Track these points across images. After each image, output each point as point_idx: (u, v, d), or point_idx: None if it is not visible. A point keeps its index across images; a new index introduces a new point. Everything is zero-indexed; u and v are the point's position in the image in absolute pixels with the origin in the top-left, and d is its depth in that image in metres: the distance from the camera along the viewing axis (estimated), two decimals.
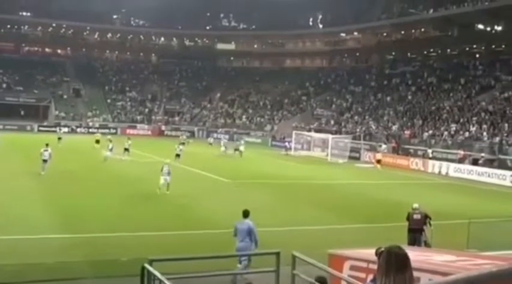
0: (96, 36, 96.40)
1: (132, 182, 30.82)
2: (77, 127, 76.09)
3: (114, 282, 13.85)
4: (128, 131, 74.12)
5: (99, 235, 17.74)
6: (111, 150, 41.14)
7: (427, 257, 10.29)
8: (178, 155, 41.79)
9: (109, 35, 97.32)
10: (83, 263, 14.69)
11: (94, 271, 14.35)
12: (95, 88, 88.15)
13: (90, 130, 71.77)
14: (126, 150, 43.46)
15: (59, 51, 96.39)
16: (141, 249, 15.20)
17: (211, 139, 63.83)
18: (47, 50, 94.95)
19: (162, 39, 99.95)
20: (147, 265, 7.82)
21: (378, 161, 46.39)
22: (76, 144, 55.13)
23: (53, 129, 72.86)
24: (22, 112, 78.75)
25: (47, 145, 33.31)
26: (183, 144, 48.53)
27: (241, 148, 51.47)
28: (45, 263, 14.34)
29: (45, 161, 31.86)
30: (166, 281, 7.03)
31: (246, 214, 14.10)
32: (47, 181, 29.15)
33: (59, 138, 52.47)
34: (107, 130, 71.06)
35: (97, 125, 76.77)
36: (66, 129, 73.54)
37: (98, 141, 51.08)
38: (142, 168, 38.46)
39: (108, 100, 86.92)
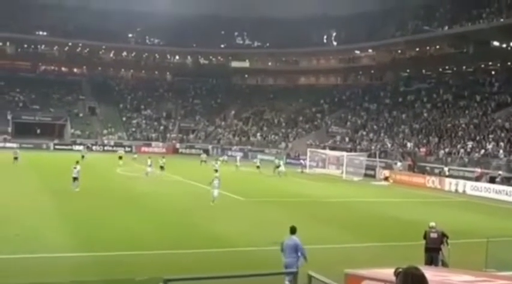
0: (111, 54, 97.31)
1: (148, 200, 30.80)
2: (93, 145, 76.47)
3: None
4: (143, 149, 74.42)
5: (114, 254, 17.69)
6: (150, 165, 43.43)
7: (444, 278, 10.14)
8: (216, 170, 42.30)
9: (124, 53, 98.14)
10: (97, 282, 14.65)
11: None
12: (110, 106, 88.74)
13: (106, 148, 72.02)
14: (162, 167, 45.23)
15: (74, 69, 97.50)
16: (157, 268, 15.14)
17: (225, 157, 63.76)
18: (63, 68, 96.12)
19: (177, 57, 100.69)
20: None
21: (386, 178, 46.06)
22: (93, 161, 55.37)
23: (69, 147, 73.81)
24: (38, 131, 79.48)
25: (77, 162, 34.67)
26: (217, 160, 50.48)
27: (282, 168, 49.32)
28: (60, 282, 14.31)
29: (75, 178, 32.85)
30: None
31: (293, 230, 14.28)
32: (63, 199, 29.23)
33: (82, 156, 53.13)
34: (122, 148, 71.47)
35: (112, 143, 77.29)
36: (81, 147, 74.15)
37: (121, 157, 53.67)
38: (161, 186, 38.56)
39: (124, 118, 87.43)
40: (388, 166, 52.05)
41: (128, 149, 73.30)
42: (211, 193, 29.20)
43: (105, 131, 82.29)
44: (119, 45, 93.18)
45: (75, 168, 33.31)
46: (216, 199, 28.98)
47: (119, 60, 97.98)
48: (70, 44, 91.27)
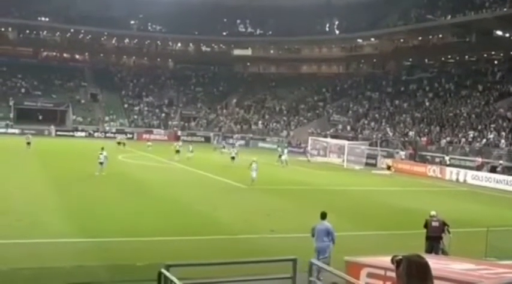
0: (113, 41, 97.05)
1: (150, 187, 30.88)
2: (94, 131, 76.69)
3: None
4: (145, 136, 74.51)
5: (116, 240, 17.76)
6: (192, 151, 47.74)
7: (445, 266, 10.20)
8: (233, 157, 46.22)
9: (126, 40, 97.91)
10: (99, 267, 14.73)
11: (111, 275, 14.38)
12: (112, 93, 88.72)
13: (107, 134, 72.15)
14: (177, 152, 48.07)
15: (76, 56, 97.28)
16: (158, 254, 15.21)
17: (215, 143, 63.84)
18: (65, 55, 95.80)
19: (179, 44, 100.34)
20: (164, 271, 7.81)
21: (388, 167, 45.98)
22: (95, 147, 55.69)
23: (71, 133, 74.22)
24: (40, 117, 79.54)
25: (102, 148, 35.60)
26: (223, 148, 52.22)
27: (285, 157, 48.62)
28: (63, 267, 14.39)
29: (101, 163, 34.23)
30: None
31: (323, 215, 14.72)
32: (66, 185, 29.33)
33: (118, 143, 55.83)
34: (121, 135, 71.83)
35: (114, 130, 77.29)
36: (83, 134, 74.60)
37: (119, 143, 56.46)
38: (162, 173, 38.69)
39: (125, 105, 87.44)
40: (390, 155, 52.07)
41: (129, 136, 73.76)
42: (251, 176, 32.67)
43: (106, 118, 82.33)
44: (121, 32, 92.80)
45: (101, 153, 34.58)
46: (255, 181, 32.51)
47: (121, 47, 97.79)
48: (72, 30, 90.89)
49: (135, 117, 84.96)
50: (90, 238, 17.75)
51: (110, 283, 13.92)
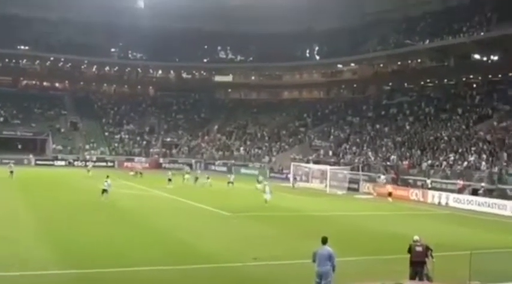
0: (94, 69, 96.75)
1: (132, 215, 30.60)
2: (75, 160, 76.02)
3: None
4: (126, 164, 74.11)
5: (99, 270, 17.42)
6: (208, 178, 51.57)
7: None
8: (231, 183, 49.92)
9: (107, 68, 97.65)
10: None
11: None
12: (92, 121, 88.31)
13: (87, 163, 71.73)
14: (170, 180, 49.07)
15: (56, 84, 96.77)
16: None
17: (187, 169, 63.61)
18: (44, 83, 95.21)
19: (160, 72, 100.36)
20: None
21: (389, 194, 44.70)
22: (76, 176, 55.17)
23: (51, 162, 73.50)
24: (19, 146, 78.94)
25: (107, 176, 36.88)
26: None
27: (261, 185, 45.24)
28: None
29: (104, 190, 35.48)
30: None
31: (324, 240, 14.77)
32: (46, 214, 28.94)
33: (88, 171, 56.62)
34: (104, 164, 71.37)
35: (94, 158, 76.64)
36: (63, 163, 73.95)
37: (88, 171, 56.85)
38: (144, 201, 38.40)
39: (106, 133, 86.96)
40: (372, 180, 52.18)
41: (110, 164, 73.46)
42: (264, 197, 36.85)
43: (87, 146, 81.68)
44: (101, 59, 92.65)
45: (105, 181, 35.72)
46: (268, 202, 36.33)
47: (101, 75, 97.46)
48: (52, 58, 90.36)
49: (116, 145, 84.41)
50: (72, 269, 17.39)
51: None
